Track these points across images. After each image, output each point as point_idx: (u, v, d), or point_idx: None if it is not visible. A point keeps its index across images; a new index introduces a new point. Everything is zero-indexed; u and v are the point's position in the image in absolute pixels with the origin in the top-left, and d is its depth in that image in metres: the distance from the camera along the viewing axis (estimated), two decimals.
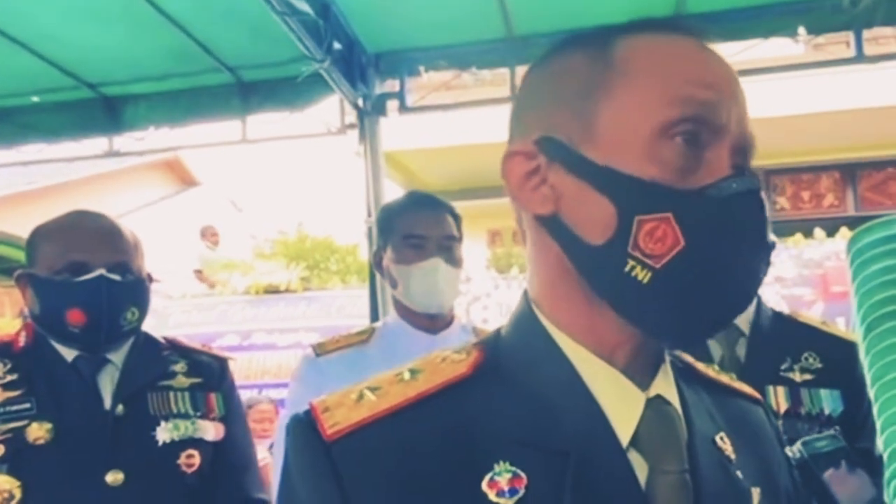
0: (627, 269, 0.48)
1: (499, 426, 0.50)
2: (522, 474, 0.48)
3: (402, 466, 0.48)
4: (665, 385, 0.54)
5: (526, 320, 0.55)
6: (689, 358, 0.61)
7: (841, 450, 0.64)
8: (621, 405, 0.51)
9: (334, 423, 0.50)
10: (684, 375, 0.58)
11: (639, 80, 0.51)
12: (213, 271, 6.67)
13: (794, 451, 0.62)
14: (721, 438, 0.55)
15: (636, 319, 0.50)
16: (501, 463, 0.48)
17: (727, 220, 0.48)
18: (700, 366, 0.61)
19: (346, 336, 1.50)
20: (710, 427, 0.55)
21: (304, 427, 0.51)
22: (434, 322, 1.46)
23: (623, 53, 0.52)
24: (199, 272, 6.87)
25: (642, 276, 0.48)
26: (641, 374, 0.53)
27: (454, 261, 1.44)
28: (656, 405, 0.52)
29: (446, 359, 0.54)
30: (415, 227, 1.44)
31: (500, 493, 0.47)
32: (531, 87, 0.56)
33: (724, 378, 0.63)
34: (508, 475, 0.48)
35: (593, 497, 0.48)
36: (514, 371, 0.53)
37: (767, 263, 0.51)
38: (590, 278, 0.51)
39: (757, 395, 0.65)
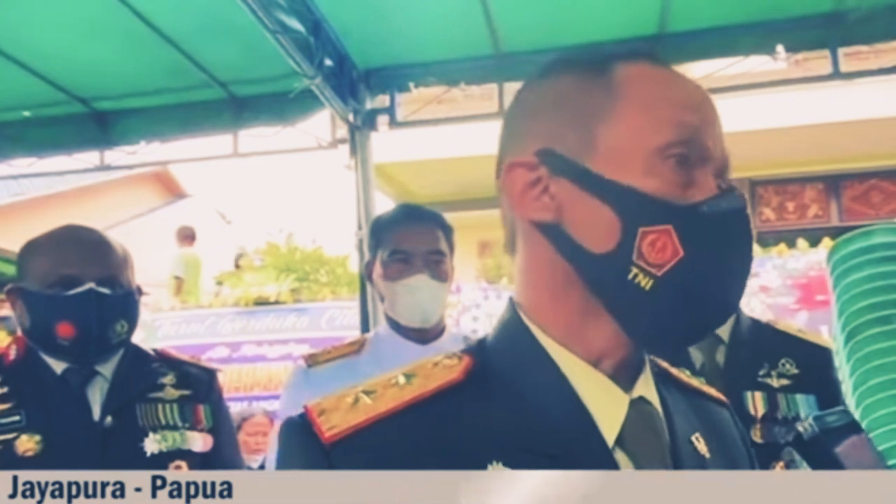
0: (631, 276, 0.52)
1: (491, 431, 0.52)
2: None
3: (398, 469, 0.49)
4: (646, 387, 0.56)
5: (513, 326, 0.57)
6: (663, 363, 0.64)
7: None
8: (607, 407, 0.54)
9: (332, 425, 0.51)
10: (661, 378, 0.61)
11: (637, 104, 0.55)
12: (195, 276, 6.29)
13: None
14: (696, 438, 0.58)
15: (632, 325, 0.54)
16: (495, 464, 0.50)
17: (720, 234, 0.53)
18: (673, 370, 0.65)
19: (338, 347, 1.50)
20: (687, 428, 0.58)
21: (300, 430, 0.51)
22: (425, 333, 1.46)
23: (622, 79, 0.56)
24: (179, 279, 6.40)
25: (644, 282, 0.52)
26: (625, 377, 0.55)
27: (440, 276, 1.43)
28: (639, 406, 0.55)
29: (438, 364, 0.56)
30: (401, 243, 1.43)
31: None
32: (529, 103, 0.59)
33: (695, 382, 0.67)
34: None
35: None
36: (503, 376, 0.55)
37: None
38: (592, 284, 0.54)
39: (723, 397, 0.68)
